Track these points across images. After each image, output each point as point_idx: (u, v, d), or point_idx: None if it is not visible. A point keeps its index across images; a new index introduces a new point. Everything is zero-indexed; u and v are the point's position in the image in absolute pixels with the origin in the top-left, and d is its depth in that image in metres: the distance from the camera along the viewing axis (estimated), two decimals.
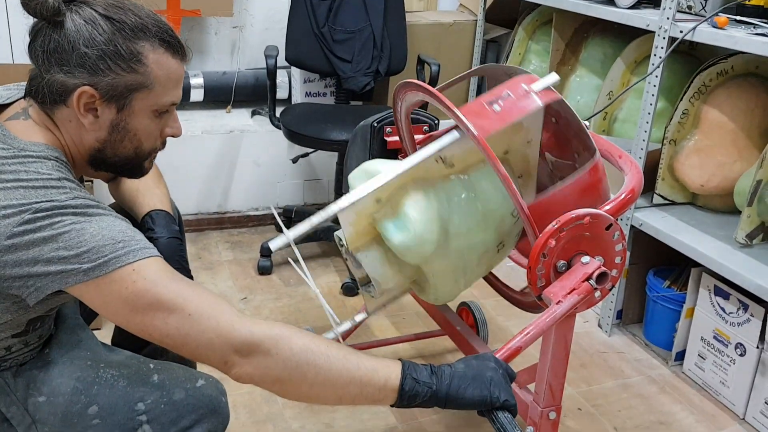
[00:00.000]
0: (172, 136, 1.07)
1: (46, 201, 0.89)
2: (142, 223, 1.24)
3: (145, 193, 1.28)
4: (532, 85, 1.14)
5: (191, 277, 1.26)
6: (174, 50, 1.00)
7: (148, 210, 1.25)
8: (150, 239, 1.20)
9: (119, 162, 1.04)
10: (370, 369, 0.96)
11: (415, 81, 1.23)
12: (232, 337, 0.91)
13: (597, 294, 1.12)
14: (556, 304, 1.09)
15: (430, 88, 1.16)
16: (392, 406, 0.98)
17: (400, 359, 1.01)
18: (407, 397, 0.97)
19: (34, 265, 0.88)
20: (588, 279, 1.10)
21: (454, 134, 1.13)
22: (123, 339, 1.34)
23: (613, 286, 1.14)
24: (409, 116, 1.46)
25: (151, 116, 1.01)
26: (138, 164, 1.07)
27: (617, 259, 1.15)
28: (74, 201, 0.90)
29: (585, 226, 1.10)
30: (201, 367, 1.33)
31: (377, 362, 0.98)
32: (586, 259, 1.10)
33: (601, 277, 1.09)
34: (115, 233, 0.90)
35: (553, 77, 1.15)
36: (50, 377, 1.03)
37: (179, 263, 1.22)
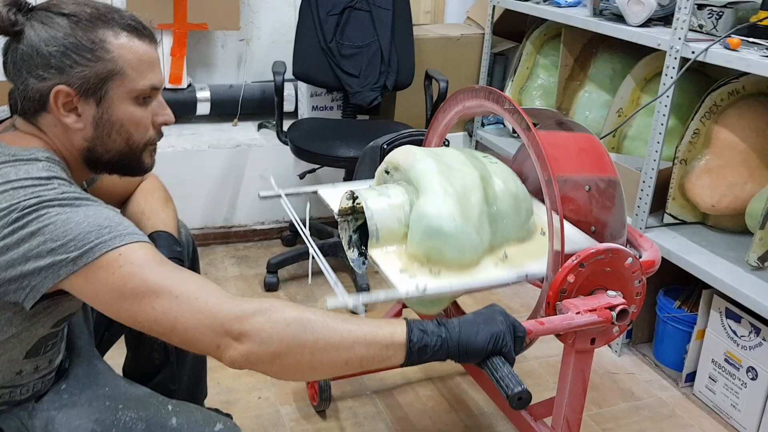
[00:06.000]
0: (165, 124, 1.05)
1: (33, 197, 0.88)
2: None
3: (150, 215, 1.26)
4: None
5: None
6: (138, 33, 0.98)
7: (151, 231, 1.23)
8: None
9: (114, 158, 1.02)
10: (373, 326, 0.91)
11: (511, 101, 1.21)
12: (222, 316, 0.87)
13: (615, 329, 1.11)
14: (576, 313, 1.07)
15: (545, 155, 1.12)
16: (402, 365, 0.93)
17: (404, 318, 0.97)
18: (417, 349, 0.91)
19: (26, 262, 0.87)
20: (611, 309, 1.09)
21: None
22: (133, 368, 1.33)
23: (631, 322, 1.13)
24: (450, 126, 1.46)
25: (132, 104, 0.99)
26: (135, 158, 1.04)
27: (636, 295, 1.14)
28: (61, 195, 0.90)
29: (605, 261, 1.09)
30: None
31: (379, 321, 0.95)
32: (612, 293, 1.10)
33: (622, 314, 1.08)
34: (101, 220, 0.89)
35: None
36: (69, 419, 1.02)
37: None
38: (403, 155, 1.27)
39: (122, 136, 1.00)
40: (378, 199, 1.21)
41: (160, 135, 1.06)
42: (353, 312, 1.09)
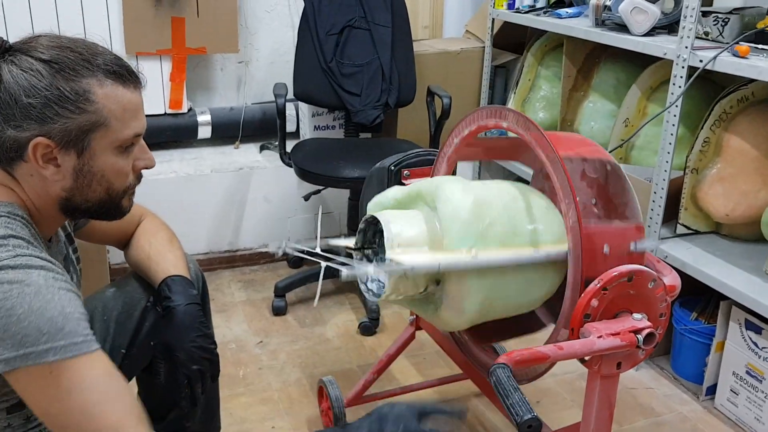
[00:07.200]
0: (146, 168, 1.01)
1: None
2: (159, 292, 1.20)
3: (158, 260, 1.23)
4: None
5: (214, 343, 1.20)
6: (123, 80, 0.94)
7: (164, 277, 1.20)
8: (167, 308, 1.17)
9: (93, 207, 0.99)
10: None
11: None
12: None
13: (641, 353, 1.08)
14: (597, 337, 1.03)
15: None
16: None
17: None
18: None
19: None
20: (635, 333, 1.05)
21: None
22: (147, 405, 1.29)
23: (657, 344, 1.10)
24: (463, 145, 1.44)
25: (115, 153, 0.96)
26: (114, 205, 1.01)
27: (660, 316, 1.10)
28: (14, 260, 0.85)
29: (628, 284, 1.06)
30: None
31: None
32: (638, 316, 1.06)
33: (649, 338, 1.04)
34: (43, 321, 0.84)
35: None
36: None
37: (200, 330, 1.17)
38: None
39: (103, 185, 0.97)
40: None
41: (140, 179, 1.03)
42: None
